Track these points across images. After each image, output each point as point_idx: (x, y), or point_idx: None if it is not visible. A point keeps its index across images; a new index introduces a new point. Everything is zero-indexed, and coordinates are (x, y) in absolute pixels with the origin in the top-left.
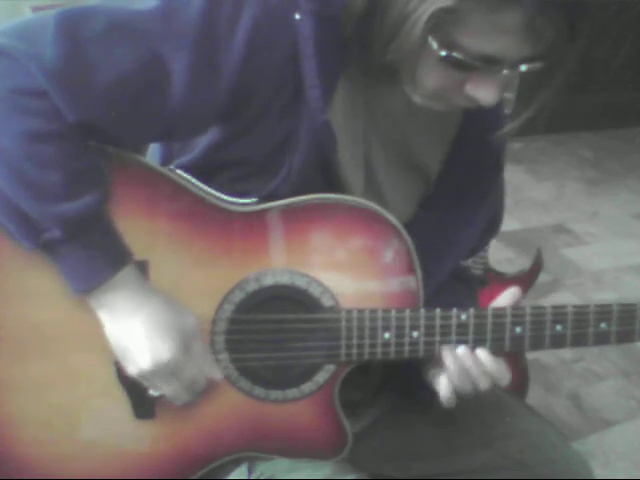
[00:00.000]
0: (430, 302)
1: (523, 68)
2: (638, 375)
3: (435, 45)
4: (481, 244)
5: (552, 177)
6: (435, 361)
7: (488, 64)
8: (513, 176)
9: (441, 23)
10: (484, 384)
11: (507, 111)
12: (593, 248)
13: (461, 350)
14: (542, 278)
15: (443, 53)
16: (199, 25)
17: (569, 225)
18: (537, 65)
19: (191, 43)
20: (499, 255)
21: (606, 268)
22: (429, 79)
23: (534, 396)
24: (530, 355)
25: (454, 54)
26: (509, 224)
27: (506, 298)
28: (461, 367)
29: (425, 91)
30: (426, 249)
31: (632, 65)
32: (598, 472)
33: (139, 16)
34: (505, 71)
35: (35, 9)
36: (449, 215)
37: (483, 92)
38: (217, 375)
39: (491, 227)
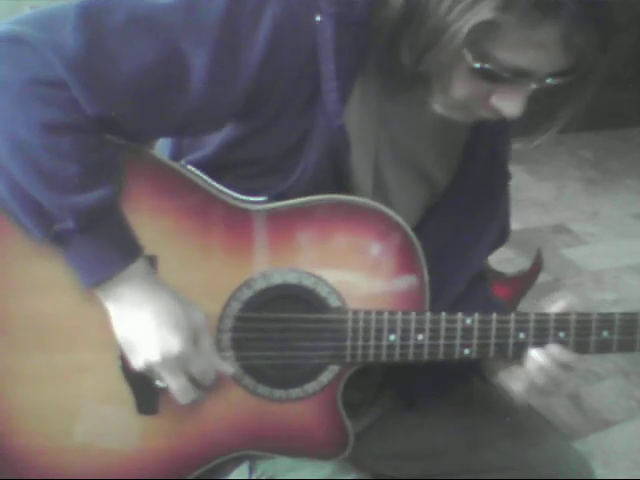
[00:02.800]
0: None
1: (550, 81)
2: (638, 375)
3: (470, 57)
4: (491, 251)
5: (552, 177)
6: (503, 364)
7: (519, 77)
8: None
9: (480, 36)
10: (564, 378)
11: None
12: (593, 248)
13: (535, 352)
14: (542, 278)
15: (477, 65)
16: (221, 22)
17: (569, 225)
18: (566, 79)
19: (212, 39)
20: (499, 255)
21: (606, 268)
22: (457, 89)
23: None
24: None
25: (487, 66)
26: None
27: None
28: (541, 367)
29: (450, 101)
30: (440, 259)
31: (632, 65)
32: (598, 472)
33: (161, 10)
34: (533, 84)
35: (35, 9)
36: (461, 225)
37: (508, 104)
38: (228, 369)
39: (501, 234)
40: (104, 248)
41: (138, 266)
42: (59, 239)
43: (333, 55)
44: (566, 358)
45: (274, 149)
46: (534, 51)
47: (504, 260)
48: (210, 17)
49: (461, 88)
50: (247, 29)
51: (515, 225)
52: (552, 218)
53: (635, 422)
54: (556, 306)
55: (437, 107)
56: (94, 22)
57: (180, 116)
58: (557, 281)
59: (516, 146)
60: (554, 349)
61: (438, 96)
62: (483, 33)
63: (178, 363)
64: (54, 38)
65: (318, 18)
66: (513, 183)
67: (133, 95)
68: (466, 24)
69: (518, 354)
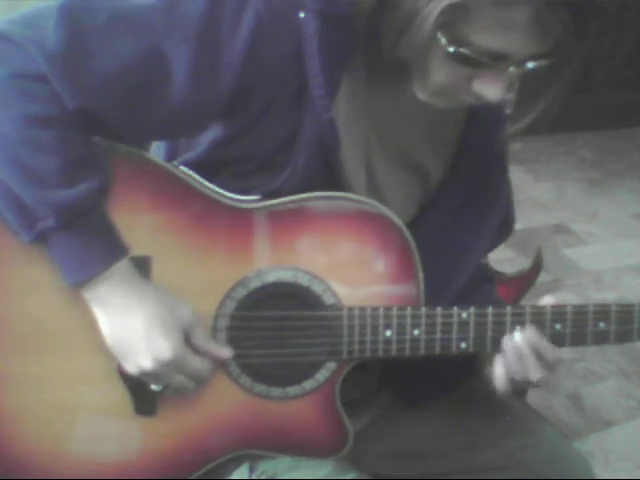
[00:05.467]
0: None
1: (530, 65)
2: (638, 375)
3: (444, 41)
4: (493, 245)
5: (552, 177)
6: (490, 359)
7: (495, 60)
8: (513, 176)
9: (451, 19)
10: (537, 372)
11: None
12: (593, 248)
13: (518, 336)
14: (542, 278)
15: (451, 49)
16: (202, 19)
17: (569, 225)
18: (544, 62)
19: (193, 37)
20: (499, 255)
21: (606, 268)
22: (436, 75)
23: (534, 396)
24: None
25: (462, 50)
26: None
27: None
28: (517, 352)
29: (432, 87)
30: (438, 253)
31: (632, 65)
32: (598, 472)
33: (142, 9)
34: (512, 68)
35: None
36: (458, 218)
37: (489, 89)
38: (227, 353)
39: (504, 227)
40: (86, 246)
41: (122, 267)
42: (42, 238)
43: (318, 51)
44: (540, 344)
45: (264, 146)
46: (507, 33)
47: (504, 260)
48: (191, 15)
49: (440, 73)
50: (229, 26)
51: (515, 225)
52: (552, 218)
53: (635, 422)
54: (549, 299)
55: (422, 95)
56: (76, 20)
57: (163, 115)
58: (557, 281)
59: (516, 146)
60: (531, 333)
61: (419, 82)
62: (454, 15)
63: (172, 366)
64: (37, 34)
65: (302, 15)
66: (513, 183)
67: (114, 92)
68: (437, 6)
69: None
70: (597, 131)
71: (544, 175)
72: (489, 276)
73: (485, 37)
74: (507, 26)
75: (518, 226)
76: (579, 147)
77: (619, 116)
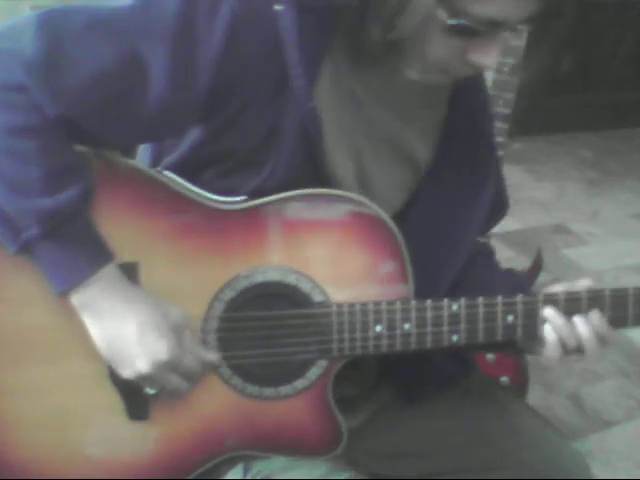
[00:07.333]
0: (466, 285)
1: (522, 27)
2: (638, 375)
3: (444, 14)
4: (490, 224)
5: (552, 177)
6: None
7: (493, 27)
8: (513, 176)
9: None
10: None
11: (507, 111)
12: (593, 248)
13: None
14: (542, 278)
15: (452, 22)
16: (177, 20)
17: (569, 225)
18: (536, 23)
19: (169, 37)
20: (499, 255)
21: (606, 268)
22: (432, 50)
23: (534, 396)
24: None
25: (462, 21)
26: (509, 224)
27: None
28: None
29: (426, 65)
30: (432, 239)
31: (632, 65)
32: (598, 472)
33: (118, 13)
34: (506, 33)
35: (35, 9)
36: (450, 202)
37: (486, 56)
38: (214, 357)
39: (498, 206)
40: (72, 254)
41: (108, 272)
42: (27, 247)
43: (297, 42)
44: (606, 332)
45: (245, 143)
46: (505, 1)
47: (504, 260)
48: (166, 17)
49: (437, 48)
50: (204, 25)
51: (515, 225)
52: (552, 218)
53: (635, 422)
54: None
55: (412, 74)
56: (53, 28)
57: (144, 118)
58: (557, 281)
59: (516, 146)
60: (595, 316)
61: (413, 62)
62: None
63: (169, 367)
64: (15, 45)
65: (277, 7)
66: (513, 183)
67: (94, 98)
68: None
69: (509, 337)
70: (597, 131)
71: (544, 175)
72: (489, 251)
73: (483, 6)
74: None
75: (518, 226)
76: (579, 147)
77: (619, 116)
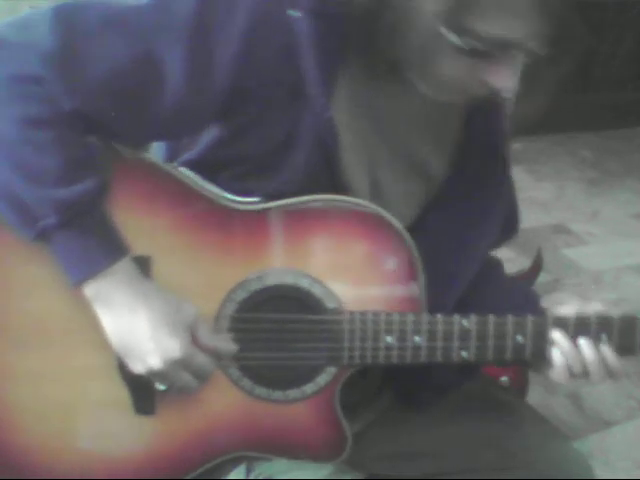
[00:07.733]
0: (474, 301)
1: (537, 52)
2: (638, 375)
3: (450, 34)
4: (499, 243)
5: (552, 177)
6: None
7: (504, 49)
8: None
9: (454, 11)
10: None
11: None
12: (593, 248)
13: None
14: (542, 278)
15: (459, 42)
16: (193, 20)
17: (569, 225)
18: (550, 49)
19: (185, 38)
20: (499, 255)
21: (606, 268)
22: (444, 69)
23: (534, 396)
24: None
25: (470, 41)
26: None
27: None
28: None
29: (440, 82)
30: (444, 252)
31: (632, 65)
32: (598, 472)
33: (134, 11)
34: (521, 56)
35: (34, 9)
36: (461, 218)
37: (500, 80)
38: (233, 347)
39: (509, 225)
40: (87, 245)
41: (124, 266)
42: (43, 236)
43: (313, 49)
44: (613, 362)
45: (260, 147)
46: (511, 19)
47: (504, 260)
48: (182, 16)
49: (448, 67)
50: (221, 26)
51: (520, 225)
52: (552, 218)
53: (635, 422)
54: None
55: (427, 90)
56: (70, 22)
57: (160, 116)
58: (557, 281)
59: (516, 146)
60: (606, 349)
61: (427, 79)
62: (457, 7)
63: (181, 364)
64: (31, 37)
65: (293, 13)
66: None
67: (109, 95)
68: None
69: (517, 356)
70: (597, 131)
71: (544, 175)
72: (496, 263)
73: (490, 25)
74: (510, 11)
75: None
76: (579, 147)
77: (619, 116)
